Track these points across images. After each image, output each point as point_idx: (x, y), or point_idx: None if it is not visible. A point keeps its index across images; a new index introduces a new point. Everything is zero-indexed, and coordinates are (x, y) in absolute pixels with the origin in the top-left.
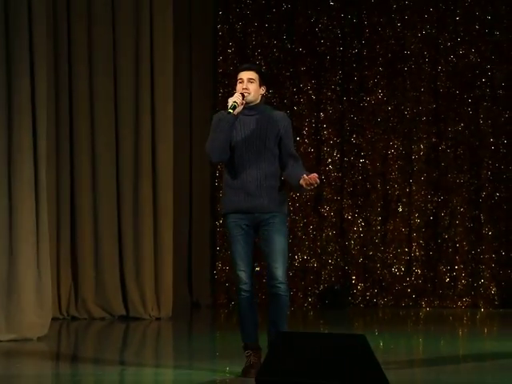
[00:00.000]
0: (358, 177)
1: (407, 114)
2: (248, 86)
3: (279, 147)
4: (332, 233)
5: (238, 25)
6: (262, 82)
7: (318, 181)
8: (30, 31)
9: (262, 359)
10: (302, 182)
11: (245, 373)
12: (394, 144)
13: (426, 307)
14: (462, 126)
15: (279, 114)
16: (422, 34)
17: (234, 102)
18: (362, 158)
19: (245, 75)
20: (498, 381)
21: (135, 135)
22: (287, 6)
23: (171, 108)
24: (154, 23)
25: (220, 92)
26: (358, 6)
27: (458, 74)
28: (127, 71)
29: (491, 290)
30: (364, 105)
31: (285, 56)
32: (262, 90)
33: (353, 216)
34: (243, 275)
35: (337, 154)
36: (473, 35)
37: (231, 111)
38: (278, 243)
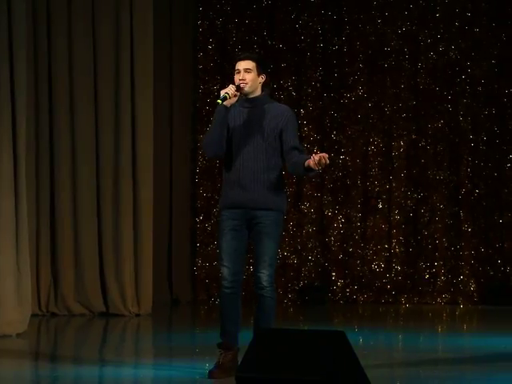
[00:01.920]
0: (338, 173)
1: (387, 110)
2: (245, 77)
3: (281, 141)
4: (312, 229)
5: (219, 21)
6: (261, 70)
7: (327, 160)
8: (10, 30)
9: (240, 359)
10: (310, 162)
11: (209, 373)
12: (374, 141)
13: (405, 304)
14: (441, 123)
15: (281, 107)
16: (402, 30)
17: (226, 93)
18: (342, 154)
19: (241, 65)
20: (477, 376)
21: (115, 132)
22: (267, 3)
23: (151, 105)
24: (134, 19)
25: (200, 88)
26: (338, 3)
27: (437, 71)
28: (107, 67)
29: (470, 286)
30: (344, 101)
31: (265, 52)
32: (262, 79)
33: (333, 212)
34: (225, 271)
35: (317, 150)
36: (453, 32)
37: (220, 101)
38: (267, 247)
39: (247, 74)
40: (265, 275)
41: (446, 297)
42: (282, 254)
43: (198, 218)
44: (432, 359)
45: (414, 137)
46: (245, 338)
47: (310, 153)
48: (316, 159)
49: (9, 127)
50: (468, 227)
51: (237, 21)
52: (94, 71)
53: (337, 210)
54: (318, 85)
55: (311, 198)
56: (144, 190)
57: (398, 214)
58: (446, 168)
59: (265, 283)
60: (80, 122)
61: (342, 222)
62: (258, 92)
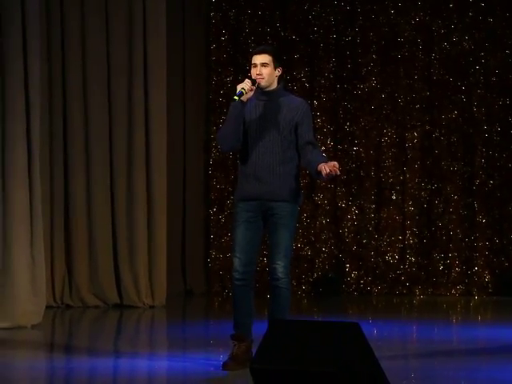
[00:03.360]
0: (352, 164)
1: (401, 101)
2: (261, 71)
3: (296, 134)
4: (326, 221)
5: (232, 12)
6: (277, 63)
7: (338, 171)
8: (23, 26)
9: (254, 350)
10: (320, 169)
11: (223, 364)
12: (387, 132)
13: (419, 295)
14: (455, 114)
15: (297, 100)
16: (415, 21)
17: (242, 88)
18: (356, 145)
19: (258, 59)
20: (492, 367)
21: (129, 125)
22: None
23: (164, 96)
24: (147, 11)
25: (213, 80)
26: None
27: (451, 62)
28: (120, 59)
29: (485, 277)
30: (358, 92)
31: (278, 44)
32: (278, 72)
33: (346, 204)
34: (236, 262)
35: (330, 141)
36: (466, 22)
37: (236, 98)
38: (282, 237)
39: (264, 68)
40: (280, 266)
41: (460, 288)
42: (296, 246)
43: (212, 210)
44: (446, 350)
45: (427, 127)
46: (259, 329)
47: (325, 145)
48: (327, 170)
49: (23, 122)
50: (482, 218)
51: (250, 12)
52: (108, 63)
53: (350, 201)
54: (331, 76)
55: (325, 190)
56: (158, 181)
57: (411, 205)
58: (460, 159)
59: (280, 274)
60: (94, 114)
61: (355, 214)
62: (275, 85)
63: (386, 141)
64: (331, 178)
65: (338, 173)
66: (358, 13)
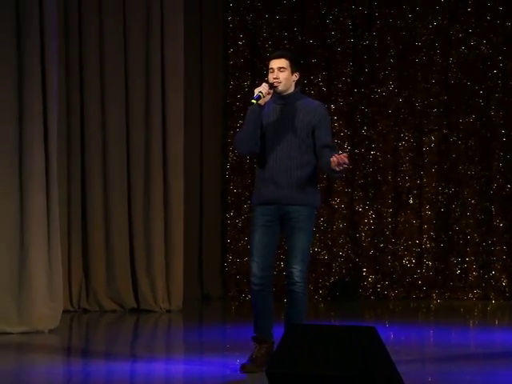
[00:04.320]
0: (369, 169)
1: (418, 105)
2: (278, 76)
3: (313, 137)
4: (343, 225)
5: (249, 16)
6: (295, 68)
7: (347, 160)
8: (41, 29)
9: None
10: (331, 163)
11: (241, 366)
12: (404, 136)
13: (436, 299)
14: (473, 118)
15: (313, 103)
16: (433, 25)
17: (260, 92)
18: (373, 150)
19: (275, 64)
20: (509, 372)
21: (146, 129)
22: None
23: (182, 101)
24: (165, 16)
25: (231, 84)
26: None
27: (469, 66)
28: (138, 64)
29: (502, 281)
30: (375, 97)
31: (295, 48)
32: (295, 77)
33: (363, 208)
34: (254, 266)
35: (348, 145)
36: (484, 26)
37: (254, 101)
38: (299, 241)
39: (281, 73)
40: (297, 270)
41: (477, 292)
42: (313, 250)
43: (229, 214)
44: (463, 355)
45: (445, 132)
46: (276, 333)
47: (342, 149)
48: (335, 161)
49: (40, 125)
50: (500, 222)
51: (267, 16)
52: (125, 68)
53: (367, 205)
54: (349, 80)
55: (342, 194)
56: (175, 186)
57: (429, 210)
58: (478, 163)
59: (297, 278)
60: (111, 117)
61: (372, 218)
62: (292, 89)
63: (403, 145)
64: (342, 171)
65: (347, 161)
66: (376, 17)
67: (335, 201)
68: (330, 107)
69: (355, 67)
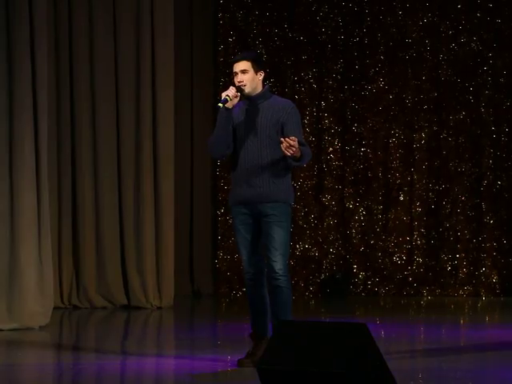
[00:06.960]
0: (360, 165)
1: (408, 102)
2: (242, 79)
3: (282, 135)
4: (333, 222)
5: (239, 13)
6: (258, 67)
7: (293, 142)
8: (31, 26)
9: None
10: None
11: (238, 361)
12: (395, 133)
13: (427, 296)
14: (463, 115)
15: (282, 101)
16: (423, 22)
17: (227, 95)
18: (364, 146)
19: (238, 67)
20: (500, 369)
21: (136, 123)
22: None
23: (172, 96)
24: (155, 12)
25: (221, 81)
26: None
27: (459, 62)
28: (128, 59)
29: (492, 278)
30: (365, 93)
31: (286, 45)
32: (260, 76)
33: (354, 205)
34: (245, 264)
35: (338, 142)
36: (474, 23)
37: (221, 105)
38: (277, 235)
39: (245, 76)
40: (278, 264)
41: (467, 289)
42: (303, 247)
43: (219, 211)
44: (454, 351)
45: (435, 128)
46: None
47: (333, 146)
48: (284, 145)
49: (30, 122)
50: (490, 219)
51: (257, 13)
52: (115, 63)
53: (358, 202)
54: (339, 77)
55: (332, 191)
56: (165, 182)
57: (419, 206)
58: (468, 160)
59: (279, 272)
60: (101, 114)
61: (363, 215)
62: (259, 88)
63: (393, 142)
64: (294, 154)
65: (292, 143)
66: (366, 14)
67: (325, 198)
68: (320, 104)
69: (345, 64)
